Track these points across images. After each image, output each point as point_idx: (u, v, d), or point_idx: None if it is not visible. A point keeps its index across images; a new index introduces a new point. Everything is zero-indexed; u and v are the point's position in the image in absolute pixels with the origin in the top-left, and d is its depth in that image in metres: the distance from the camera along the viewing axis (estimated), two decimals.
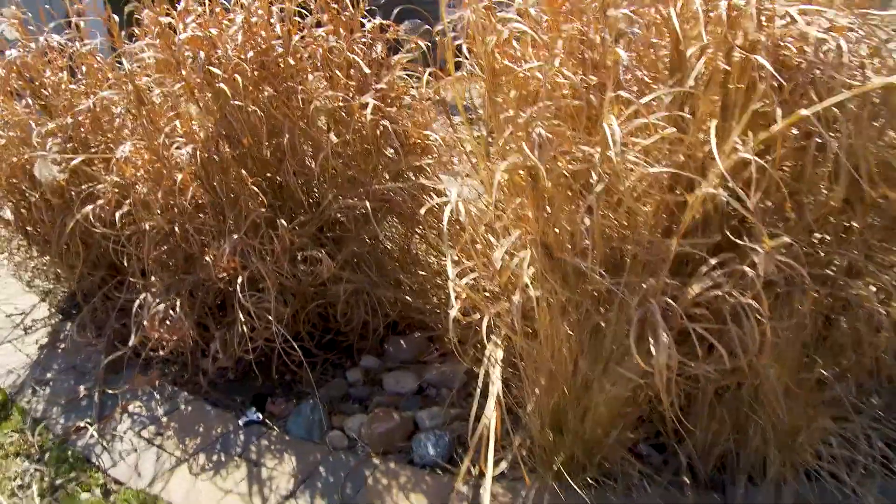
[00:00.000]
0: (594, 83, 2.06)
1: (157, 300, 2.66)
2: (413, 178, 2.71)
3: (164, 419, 2.72)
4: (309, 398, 2.70)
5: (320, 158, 2.54)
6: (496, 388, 1.93)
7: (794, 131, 1.92)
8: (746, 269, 1.80)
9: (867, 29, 1.89)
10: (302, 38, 2.71)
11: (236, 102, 2.50)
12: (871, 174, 1.79)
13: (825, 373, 2.01)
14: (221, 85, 2.49)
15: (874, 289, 2.01)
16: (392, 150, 2.70)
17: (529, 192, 2.05)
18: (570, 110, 2.05)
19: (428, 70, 2.46)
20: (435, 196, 2.42)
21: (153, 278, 2.76)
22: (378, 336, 2.95)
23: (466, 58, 2.28)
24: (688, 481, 2.12)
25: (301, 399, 2.73)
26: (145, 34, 2.76)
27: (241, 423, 2.65)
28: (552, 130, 2.01)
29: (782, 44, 1.90)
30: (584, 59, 2.12)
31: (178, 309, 2.62)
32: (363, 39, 2.82)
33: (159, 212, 2.70)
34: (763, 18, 1.91)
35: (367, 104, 2.55)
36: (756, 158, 1.72)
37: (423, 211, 2.38)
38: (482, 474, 1.92)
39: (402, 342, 2.97)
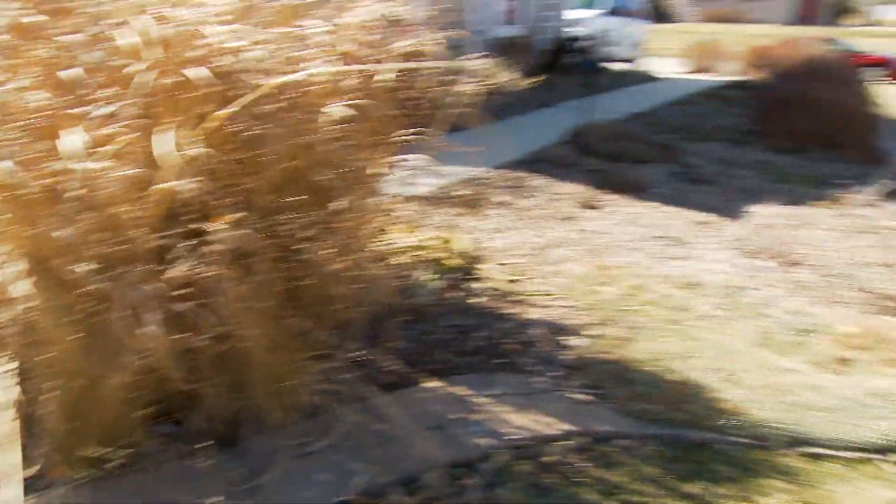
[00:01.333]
0: (65, 102, 2.23)
1: None
2: None
3: None
4: None
5: None
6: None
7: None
8: (213, 246, 2.13)
9: (281, 43, 2.32)
10: None
11: None
12: (296, 157, 2.22)
13: (300, 324, 2.41)
14: None
15: (336, 250, 2.47)
16: None
17: (11, 208, 2.17)
18: (41, 128, 2.20)
19: None
20: None
21: None
22: None
23: None
24: (209, 443, 2.39)
25: None
26: None
27: None
28: (23, 147, 2.15)
29: (215, 58, 2.25)
30: (57, 81, 2.28)
31: None
32: None
33: None
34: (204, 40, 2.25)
35: None
36: (200, 150, 2.06)
37: None
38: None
39: None
